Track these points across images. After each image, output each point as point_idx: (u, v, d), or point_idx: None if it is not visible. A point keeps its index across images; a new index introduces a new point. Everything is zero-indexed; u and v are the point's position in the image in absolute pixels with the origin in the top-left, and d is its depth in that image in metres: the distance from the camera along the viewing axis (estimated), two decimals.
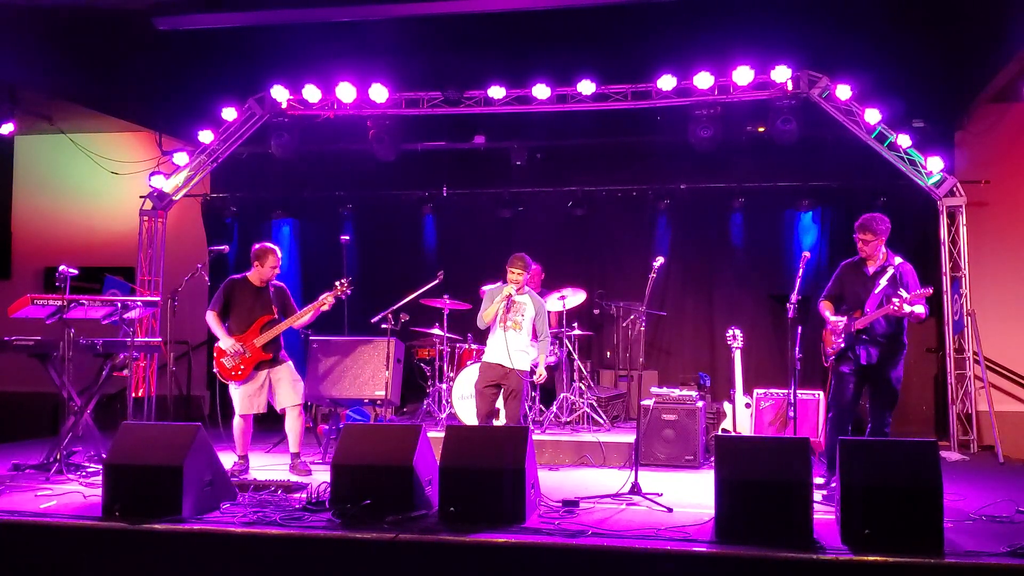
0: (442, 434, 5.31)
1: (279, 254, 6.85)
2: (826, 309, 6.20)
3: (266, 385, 6.74)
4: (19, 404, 9.89)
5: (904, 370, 6.06)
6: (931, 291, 5.83)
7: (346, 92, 9.06)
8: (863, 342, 5.96)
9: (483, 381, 6.86)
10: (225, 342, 6.65)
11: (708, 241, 9.99)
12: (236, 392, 6.72)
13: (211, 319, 6.74)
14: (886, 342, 5.96)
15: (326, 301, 6.79)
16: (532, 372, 6.95)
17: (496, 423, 6.93)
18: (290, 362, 6.85)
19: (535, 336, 6.98)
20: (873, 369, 5.99)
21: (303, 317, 6.76)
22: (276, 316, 6.73)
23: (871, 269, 6.08)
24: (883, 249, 6.09)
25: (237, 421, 6.74)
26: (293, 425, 6.82)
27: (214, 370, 6.77)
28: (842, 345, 6.00)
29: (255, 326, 6.69)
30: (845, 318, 6.02)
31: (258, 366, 6.69)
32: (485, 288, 7.16)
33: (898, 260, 6.06)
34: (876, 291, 5.94)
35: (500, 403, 6.89)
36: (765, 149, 9.32)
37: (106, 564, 4.82)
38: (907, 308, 5.74)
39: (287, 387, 6.76)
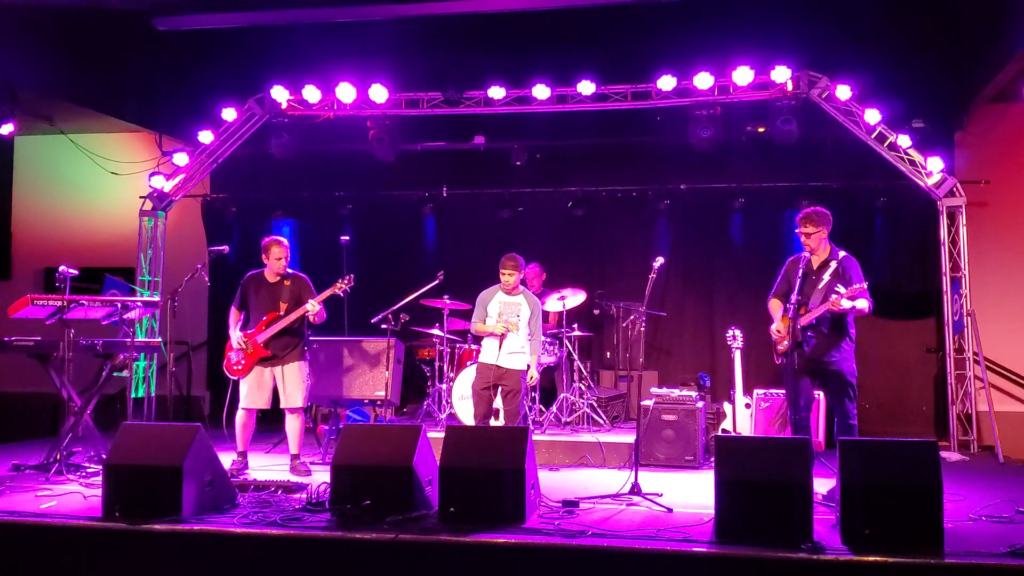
0: (442, 434, 5.31)
1: (285, 245, 6.86)
2: (774, 308, 6.20)
3: (270, 382, 6.76)
4: (19, 404, 9.89)
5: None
6: (865, 285, 5.77)
7: (346, 92, 9.05)
8: (807, 337, 5.96)
9: (480, 383, 6.91)
10: (232, 336, 6.77)
11: (708, 241, 9.98)
12: (240, 386, 6.80)
13: (230, 315, 6.89)
14: (829, 333, 5.94)
15: (315, 305, 6.74)
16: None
17: (495, 423, 6.95)
18: (301, 363, 6.84)
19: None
20: (820, 363, 5.97)
21: (307, 313, 6.74)
22: (281, 312, 6.74)
23: (816, 263, 6.08)
24: (827, 243, 6.09)
25: (239, 414, 6.79)
26: (292, 426, 6.85)
27: (223, 365, 6.86)
28: (791, 344, 5.97)
29: (261, 323, 6.73)
30: (789, 318, 5.99)
31: (259, 362, 6.71)
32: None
33: (842, 253, 6.05)
34: (820, 286, 5.94)
35: (498, 402, 6.93)
36: (765, 149, 9.31)
37: (106, 564, 4.82)
38: (846, 304, 5.72)
39: (291, 388, 6.76)
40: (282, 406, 6.82)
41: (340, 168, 10.39)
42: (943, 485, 4.54)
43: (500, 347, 6.82)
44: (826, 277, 5.95)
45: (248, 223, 10.46)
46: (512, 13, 8.58)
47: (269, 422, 7.75)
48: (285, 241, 6.91)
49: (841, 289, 5.77)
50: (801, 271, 6.04)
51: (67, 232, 11.16)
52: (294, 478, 6.43)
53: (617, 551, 4.49)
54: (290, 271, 6.91)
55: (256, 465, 6.97)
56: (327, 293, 6.85)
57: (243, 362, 6.71)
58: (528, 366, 6.97)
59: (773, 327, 6.15)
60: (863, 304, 5.82)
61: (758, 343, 9.44)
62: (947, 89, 9.05)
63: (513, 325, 6.87)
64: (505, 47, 9.21)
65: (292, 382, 6.77)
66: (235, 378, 6.80)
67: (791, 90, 8.55)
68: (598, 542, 4.59)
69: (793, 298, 5.94)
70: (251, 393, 6.73)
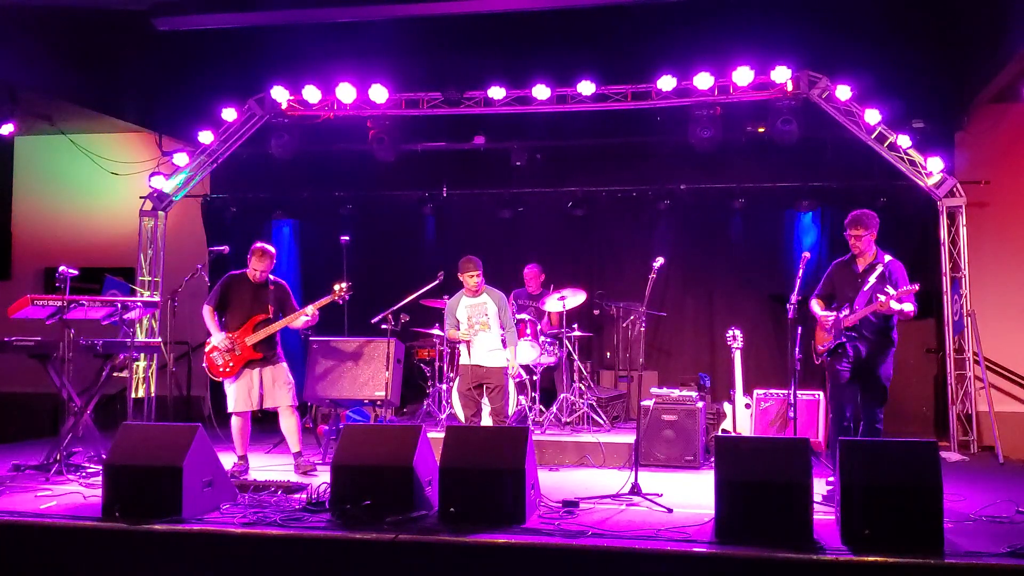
0: (442, 434, 5.31)
1: (267, 259, 6.73)
2: (816, 307, 6.23)
3: (258, 383, 6.72)
4: (19, 404, 9.88)
5: (896, 368, 6.06)
6: (917, 287, 5.79)
7: (346, 92, 9.05)
8: (852, 339, 5.98)
9: (465, 384, 7.04)
10: (216, 337, 6.65)
11: (708, 241, 9.98)
12: (228, 390, 6.72)
13: (206, 313, 6.74)
14: (875, 338, 5.97)
15: (313, 310, 6.74)
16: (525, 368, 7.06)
17: (485, 421, 7.00)
18: (284, 363, 6.83)
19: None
20: (863, 365, 6.00)
21: (297, 320, 6.73)
22: (271, 316, 6.71)
23: (861, 267, 6.09)
24: (874, 247, 6.11)
25: (233, 420, 6.74)
26: (288, 425, 6.82)
27: (203, 365, 6.75)
28: (833, 343, 6.00)
29: (249, 324, 6.68)
30: (835, 314, 6.03)
31: (248, 364, 6.67)
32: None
33: (888, 258, 6.06)
34: (865, 288, 5.95)
35: (485, 400, 7.01)
36: (765, 149, 9.31)
37: (106, 564, 4.82)
38: (895, 305, 5.73)
39: (279, 387, 6.73)
40: (272, 406, 6.77)
41: (340, 168, 10.38)
42: (943, 485, 4.54)
43: (474, 348, 6.94)
44: (871, 280, 5.94)
45: (248, 223, 10.44)
46: (512, 13, 8.59)
47: (268, 423, 7.75)
48: (272, 253, 6.79)
49: (890, 291, 5.77)
50: (846, 274, 6.07)
51: (67, 232, 11.16)
52: (298, 477, 6.42)
53: (617, 551, 4.50)
54: (272, 277, 6.85)
55: (256, 465, 6.96)
56: (325, 300, 6.83)
57: (232, 364, 6.65)
58: (508, 360, 7.02)
59: (819, 322, 6.15)
60: (909, 307, 5.83)
61: (758, 343, 9.48)
62: (947, 89, 9.05)
63: (484, 325, 6.97)
64: (505, 47, 9.22)
65: (281, 381, 6.74)
66: (220, 380, 6.73)
67: (791, 90, 8.54)
68: (598, 542, 4.59)
69: (793, 298, 5.96)
70: (242, 397, 6.68)
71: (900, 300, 5.75)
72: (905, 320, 6.01)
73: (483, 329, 6.96)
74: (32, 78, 9.03)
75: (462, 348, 7.10)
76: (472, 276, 6.98)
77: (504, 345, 7.07)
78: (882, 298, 5.73)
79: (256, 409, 6.81)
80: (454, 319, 7.11)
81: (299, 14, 8.65)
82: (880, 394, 5.99)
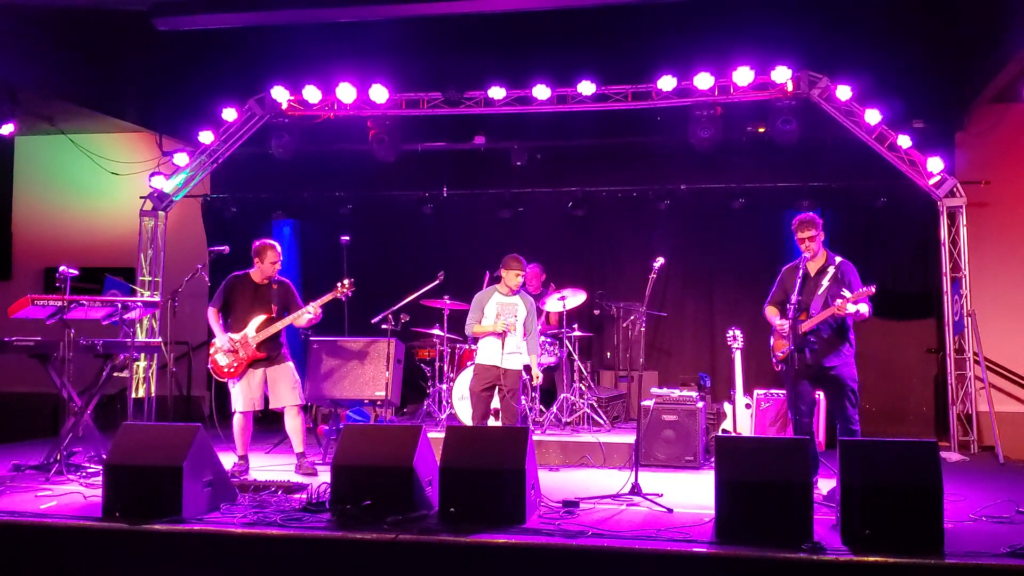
0: (442, 434, 5.31)
1: (278, 250, 6.81)
2: (772, 315, 6.21)
3: (263, 383, 6.73)
4: (19, 404, 9.88)
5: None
6: (873, 290, 5.79)
7: (346, 93, 9.06)
8: (809, 343, 5.97)
9: (479, 384, 6.85)
10: (220, 338, 6.66)
11: (708, 241, 9.99)
12: (232, 390, 6.73)
13: (210, 315, 6.75)
14: (829, 341, 5.96)
15: (316, 307, 6.74)
16: (528, 370, 6.98)
17: (494, 423, 6.93)
18: (290, 363, 6.83)
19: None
20: (822, 369, 5.97)
21: (301, 319, 6.73)
22: (274, 315, 6.71)
23: (812, 270, 6.08)
24: (823, 248, 6.11)
25: (236, 419, 6.73)
26: (293, 425, 6.81)
27: (208, 367, 6.76)
28: (790, 349, 5.96)
29: (252, 324, 6.67)
30: (790, 321, 5.99)
31: (252, 364, 6.67)
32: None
33: (839, 259, 6.07)
34: (819, 292, 5.94)
35: (496, 403, 6.92)
36: (765, 149, 9.31)
37: (106, 564, 4.82)
38: (850, 308, 5.73)
39: (285, 387, 6.73)
40: (277, 406, 6.77)
41: (340, 168, 10.38)
42: (943, 485, 4.54)
43: (503, 348, 6.76)
44: (825, 283, 5.95)
45: (248, 223, 10.44)
46: (512, 13, 8.58)
47: (268, 423, 7.75)
48: (274, 245, 6.82)
49: (846, 293, 5.77)
50: (799, 277, 6.04)
51: (67, 232, 11.16)
52: (298, 477, 6.43)
53: (617, 551, 4.49)
54: (275, 276, 6.86)
55: (256, 465, 6.96)
56: (328, 297, 6.82)
57: (236, 365, 6.65)
58: (527, 366, 6.95)
59: (775, 331, 6.14)
60: (864, 309, 5.82)
61: (758, 343, 9.42)
62: (947, 89, 9.05)
63: (512, 325, 6.83)
64: (505, 47, 9.21)
65: (286, 381, 6.74)
66: (225, 381, 6.73)
67: (791, 90, 8.54)
68: (598, 542, 4.59)
69: (793, 298, 5.93)
70: (246, 396, 6.68)
71: (856, 302, 5.76)
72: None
73: (511, 330, 6.81)
74: (32, 78, 9.03)
75: (483, 347, 6.88)
76: (518, 276, 6.83)
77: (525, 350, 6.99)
78: (839, 301, 5.73)
79: (260, 409, 6.81)
80: (480, 313, 6.87)
81: (299, 14, 8.65)
82: (848, 396, 5.93)
